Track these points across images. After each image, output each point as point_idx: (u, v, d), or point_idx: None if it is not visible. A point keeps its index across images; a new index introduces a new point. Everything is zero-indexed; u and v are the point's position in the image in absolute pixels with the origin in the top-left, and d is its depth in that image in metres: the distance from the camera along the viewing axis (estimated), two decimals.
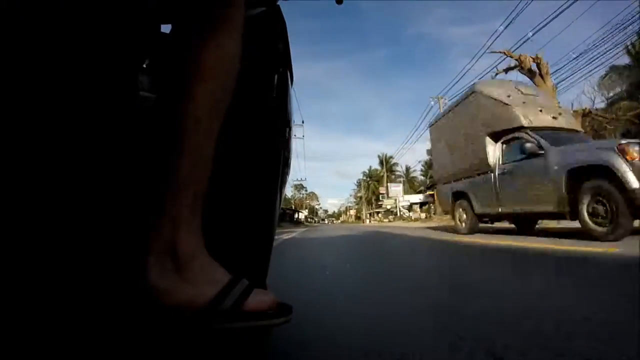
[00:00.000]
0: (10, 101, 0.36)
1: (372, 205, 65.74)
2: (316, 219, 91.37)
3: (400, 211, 42.87)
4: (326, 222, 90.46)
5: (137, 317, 0.47)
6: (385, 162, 61.49)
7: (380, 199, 55.00)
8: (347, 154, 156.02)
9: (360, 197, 75.33)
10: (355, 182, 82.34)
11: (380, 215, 52.95)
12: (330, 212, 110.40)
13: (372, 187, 67.14)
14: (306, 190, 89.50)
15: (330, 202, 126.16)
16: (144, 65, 0.68)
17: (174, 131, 0.50)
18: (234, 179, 0.67)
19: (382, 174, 60.39)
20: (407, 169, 64.47)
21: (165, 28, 0.63)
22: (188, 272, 0.50)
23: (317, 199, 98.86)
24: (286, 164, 0.79)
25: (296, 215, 55.84)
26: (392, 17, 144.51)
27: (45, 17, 0.39)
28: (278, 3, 0.77)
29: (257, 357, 0.69)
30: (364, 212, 66.18)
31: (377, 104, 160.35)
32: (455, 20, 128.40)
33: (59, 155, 0.40)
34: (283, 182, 0.78)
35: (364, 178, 71.96)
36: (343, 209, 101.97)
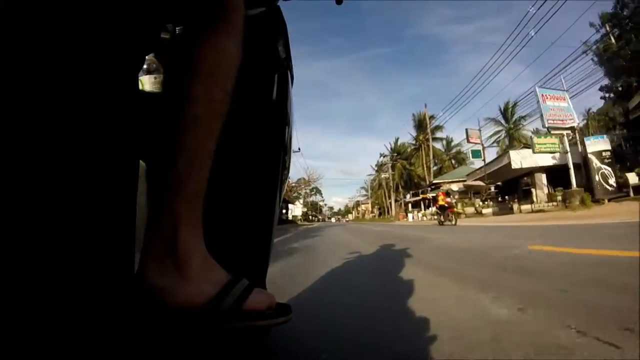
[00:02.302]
0: (8, 102, 0.36)
1: (399, 192, 47.88)
2: (320, 217, 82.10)
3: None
4: (332, 220, 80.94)
5: (136, 316, 0.47)
6: (426, 122, 42.18)
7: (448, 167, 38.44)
8: (351, 152, 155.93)
9: (379, 185, 55.85)
10: (373, 166, 62.17)
11: (454, 199, 25.67)
12: (335, 210, 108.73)
13: (399, 167, 47.81)
14: (309, 185, 72.44)
15: (334, 200, 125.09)
16: (144, 66, 0.68)
17: (174, 131, 0.50)
18: (234, 179, 0.67)
19: (421, 140, 42.56)
20: (449, 142, 44.96)
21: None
22: (188, 271, 0.50)
23: (320, 193, 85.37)
24: (285, 164, 0.79)
25: (284, 211, 38.82)
26: (393, 15, 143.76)
27: (45, 16, 0.39)
28: (278, 3, 0.77)
29: (257, 357, 0.69)
30: (392, 202, 46.70)
31: (380, 102, 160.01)
32: (456, 19, 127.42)
33: (58, 155, 0.40)
34: (282, 182, 0.78)
35: (389, 154, 51.81)
36: (352, 204, 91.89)
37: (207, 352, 0.54)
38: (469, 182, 29.39)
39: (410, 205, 41.86)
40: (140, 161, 0.53)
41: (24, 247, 0.35)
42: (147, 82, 0.71)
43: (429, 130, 42.15)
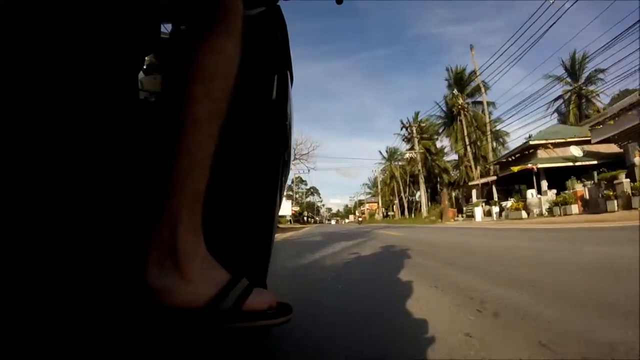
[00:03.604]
0: (9, 102, 0.36)
1: (413, 187, 37.84)
2: (317, 218, 75.90)
3: None
4: (332, 222, 71.75)
5: (136, 317, 0.47)
6: (463, 79, 28.43)
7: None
8: (349, 153, 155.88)
9: (391, 176, 44.67)
10: (384, 151, 48.47)
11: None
12: (334, 211, 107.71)
13: (421, 148, 33.95)
14: (306, 184, 66.70)
15: (332, 202, 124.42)
16: (144, 66, 0.68)
17: (174, 131, 0.50)
18: (234, 179, 0.67)
19: (460, 104, 27.99)
20: (486, 112, 27.37)
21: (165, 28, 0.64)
22: (188, 271, 0.50)
23: (317, 193, 79.71)
24: (285, 164, 0.79)
25: None
26: (392, 16, 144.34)
27: (45, 17, 0.39)
28: (278, 3, 0.77)
29: (257, 357, 0.69)
30: (422, 196, 31.92)
31: (378, 104, 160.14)
32: (455, 20, 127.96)
33: (58, 155, 0.40)
34: (283, 182, 0.78)
35: (412, 124, 35.72)
36: (352, 204, 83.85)
37: (207, 353, 0.54)
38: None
39: (474, 192, 23.80)
40: (140, 161, 0.53)
41: (24, 248, 0.35)
42: (147, 83, 0.71)
43: (481, 85, 25.67)
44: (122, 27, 0.47)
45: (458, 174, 33.86)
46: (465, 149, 28.55)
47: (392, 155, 46.83)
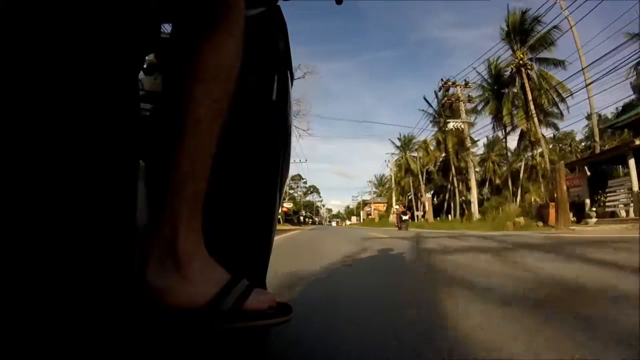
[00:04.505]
0: (8, 102, 0.36)
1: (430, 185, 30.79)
2: (317, 219, 72.57)
3: None
4: (333, 224, 69.32)
5: (136, 317, 0.47)
6: (525, 25, 19.69)
7: None
8: (349, 155, 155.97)
9: (407, 169, 36.02)
10: (394, 140, 38.72)
11: None
12: (334, 212, 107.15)
13: (467, 119, 23.96)
14: (305, 182, 63.96)
15: (333, 204, 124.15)
16: (144, 65, 0.68)
17: (174, 131, 0.50)
18: (234, 179, 0.67)
19: (522, 58, 19.59)
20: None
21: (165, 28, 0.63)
22: (188, 271, 0.50)
23: (318, 192, 77.34)
24: (285, 164, 0.79)
25: None
26: (396, 20, 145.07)
27: (45, 16, 0.39)
28: (278, 3, 0.77)
29: (257, 357, 0.69)
30: (473, 187, 22.08)
31: (380, 106, 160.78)
32: (458, 24, 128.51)
33: (59, 155, 0.40)
34: (282, 182, 0.78)
35: (453, 81, 23.33)
36: (354, 205, 79.12)
37: (207, 353, 0.54)
38: None
39: (631, 163, 11.83)
40: (140, 161, 0.53)
41: (24, 248, 0.35)
42: (147, 83, 0.71)
43: (568, 19, 16.71)
44: (122, 27, 0.47)
45: (483, 171, 29.41)
46: (529, 117, 20.08)
47: (407, 144, 37.13)
